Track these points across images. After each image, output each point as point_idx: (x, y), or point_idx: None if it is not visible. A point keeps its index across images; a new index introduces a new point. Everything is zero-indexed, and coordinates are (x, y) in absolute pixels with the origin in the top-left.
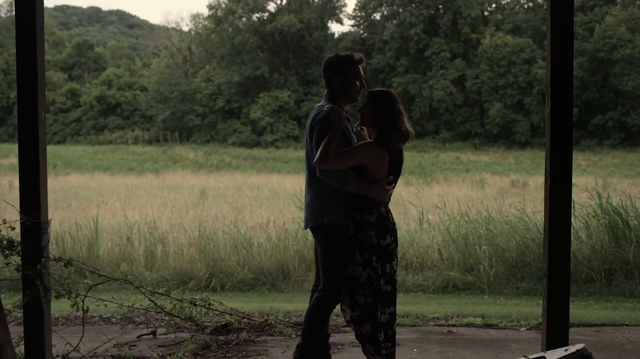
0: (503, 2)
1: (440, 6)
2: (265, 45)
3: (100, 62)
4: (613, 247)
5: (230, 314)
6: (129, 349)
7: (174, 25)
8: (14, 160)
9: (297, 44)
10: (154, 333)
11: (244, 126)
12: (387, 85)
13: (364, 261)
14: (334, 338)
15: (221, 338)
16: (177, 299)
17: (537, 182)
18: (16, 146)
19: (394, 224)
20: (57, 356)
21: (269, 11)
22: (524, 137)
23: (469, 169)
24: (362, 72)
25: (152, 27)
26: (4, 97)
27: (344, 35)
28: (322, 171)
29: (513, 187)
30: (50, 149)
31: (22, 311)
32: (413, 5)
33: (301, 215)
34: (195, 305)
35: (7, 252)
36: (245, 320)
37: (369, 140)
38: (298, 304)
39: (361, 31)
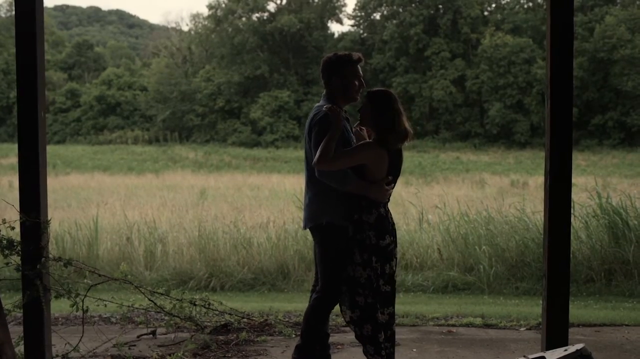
0: (503, 2)
1: (440, 6)
2: (265, 45)
3: (100, 62)
4: (613, 248)
5: (230, 314)
6: (129, 349)
7: (173, 25)
8: (14, 160)
9: (297, 44)
10: (153, 333)
11: (243, 126)
12: (387, 85)
13: (364, 261)
14: (333, 338)
15: (221, 337)
16: (177, 299)
17: (537, 182)
18: (16, 146)
19: (393, 224)
20: (57, 355)
21: (268, 11)
22: (523, 137)
23: (468, 169)
24: (360, 72)
25: (152, 27)
26: (3, 97)
27: (343, 35)
28: (321, 172)
29: (513, 187)
30: (50, 149)
31: (21, 311)
32: (413, 5)
33: (301, 215)
34: (195, 305)
35: (6, 252)
36: (245, 320)
37: (368, 140)
38: (298, 304)
39: (361, 31)
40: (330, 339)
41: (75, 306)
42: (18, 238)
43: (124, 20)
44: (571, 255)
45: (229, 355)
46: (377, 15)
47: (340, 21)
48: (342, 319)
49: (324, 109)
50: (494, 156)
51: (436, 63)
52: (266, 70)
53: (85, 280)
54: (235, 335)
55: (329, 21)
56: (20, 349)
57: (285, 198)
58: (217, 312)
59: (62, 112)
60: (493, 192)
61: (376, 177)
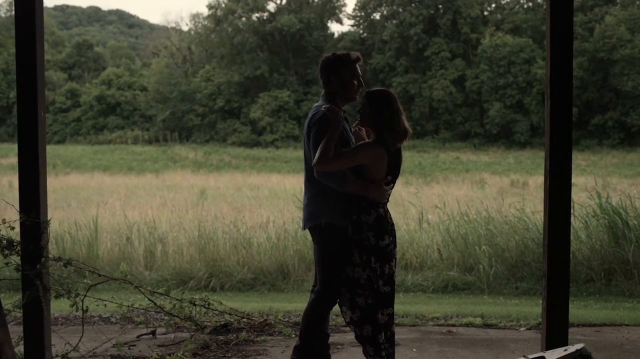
0: (503, 2)
1: (440, 6)
2: (265, 45)
3: (100, 62)
4: (612, 247)
5: (229, 314)
6: (129, 349)
7: (173, 25)
8: (14, 160)
9: (297, 44)
10: (153, 333)
11: (243, 126)
12: (386, 85)
13: (363, 262)
14: (333, 338)
15: (221, 337)
16: (177, 299)
17: (536, 182)
18: (16, 146)
19: (393, 224)
20: (57, 355)
21: (268, 11)
22: (523, 137)
23: (468, 169)
24: (359, 72)
25: (152, 27)
26: (3, 97)
27: (343, 35)
28: (319, 172)
29: (513, 187)
30: (50, 148)
31: (21, 310)
32: (413, 5)
33: (301, 215)
34: (194, 305)
35: (6, 252)
36: (244, 320)
37: (367, 140)
38: (297, 304)
39: (361, 31)
40: (330, 339)
41: (75, 306)
42: (18, 238)
43: (124, 20)
44: (571, 255)
45: (229, 355)
46: (377, 15)
47: (340, 21)
48: (342, 319)
49: (322, 109)
50: (494, 156)
51: (436, 63)
52: (266, 70)
53: (85, 280)
54: (235, 335)
55: (329, 21)
56: (20, 349)
57: (285, 198)
58: (217, 312)
59: (62, 112)
60: (493, 192)
61: (376, 177)
